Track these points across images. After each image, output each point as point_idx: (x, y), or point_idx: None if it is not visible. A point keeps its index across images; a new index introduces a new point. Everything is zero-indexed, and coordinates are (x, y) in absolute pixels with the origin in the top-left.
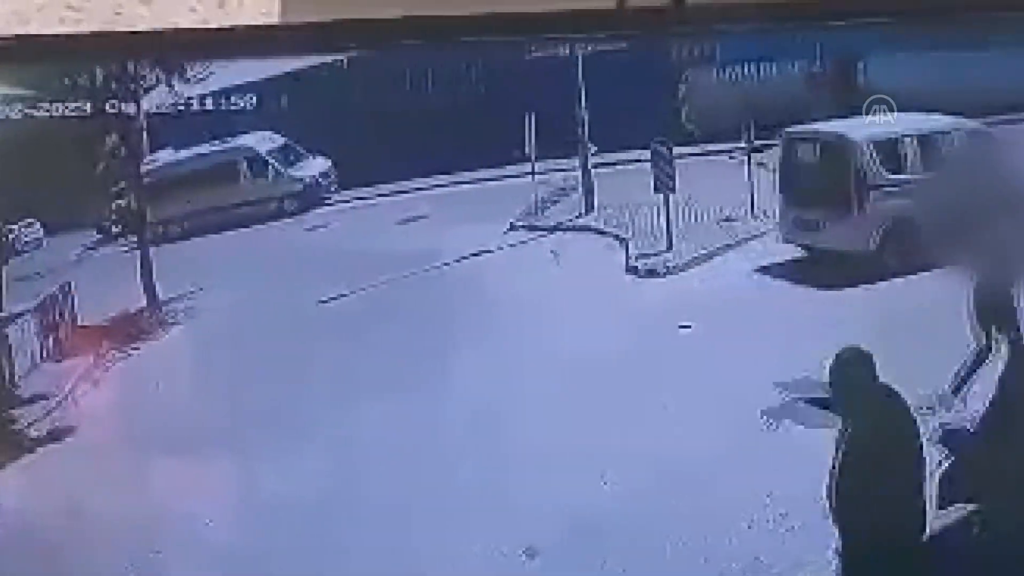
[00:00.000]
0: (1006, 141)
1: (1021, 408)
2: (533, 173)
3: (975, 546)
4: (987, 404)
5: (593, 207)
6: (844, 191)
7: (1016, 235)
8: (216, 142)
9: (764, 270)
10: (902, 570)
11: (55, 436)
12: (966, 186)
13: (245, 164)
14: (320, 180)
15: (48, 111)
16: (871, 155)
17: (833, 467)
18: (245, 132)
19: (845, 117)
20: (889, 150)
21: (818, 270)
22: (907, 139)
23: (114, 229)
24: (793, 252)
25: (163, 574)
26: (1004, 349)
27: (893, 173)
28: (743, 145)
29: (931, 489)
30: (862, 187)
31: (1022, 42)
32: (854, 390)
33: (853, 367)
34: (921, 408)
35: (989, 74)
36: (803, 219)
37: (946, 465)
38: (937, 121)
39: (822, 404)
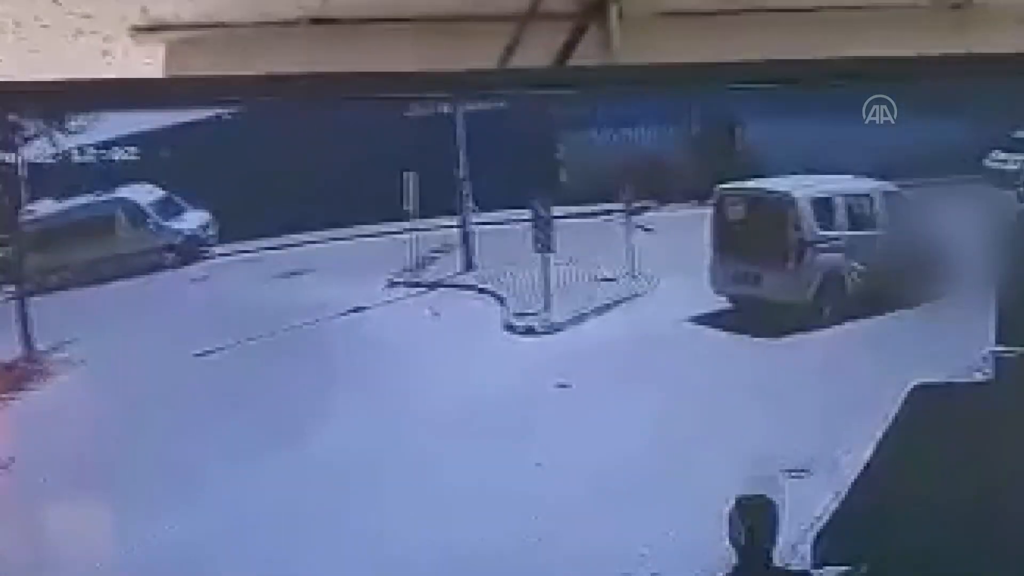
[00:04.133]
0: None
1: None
2: (414, 230)
3: None
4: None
5: (472, 265)
6: (786, 246)
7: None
8: (96, 194)
9: (645, 328)
10: None
11: None
12: (886, 241)
13: (124, 216)
14: (199, 233)
15: None
16: (810, 212)
17: None
18: (125, 184)
19: (727, 180)
20: (823, 208)
21: (740, 323)
22: (838, 198)
23: None
24: (671, 311)
25: None
26: None
27: (825, 230)
28: (622, 206)
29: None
30: (803, 242)
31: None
32: None
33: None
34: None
35: (860, 139)
36: (742, 272)
37: (822, 524)
38: (862, 183)
39: None
